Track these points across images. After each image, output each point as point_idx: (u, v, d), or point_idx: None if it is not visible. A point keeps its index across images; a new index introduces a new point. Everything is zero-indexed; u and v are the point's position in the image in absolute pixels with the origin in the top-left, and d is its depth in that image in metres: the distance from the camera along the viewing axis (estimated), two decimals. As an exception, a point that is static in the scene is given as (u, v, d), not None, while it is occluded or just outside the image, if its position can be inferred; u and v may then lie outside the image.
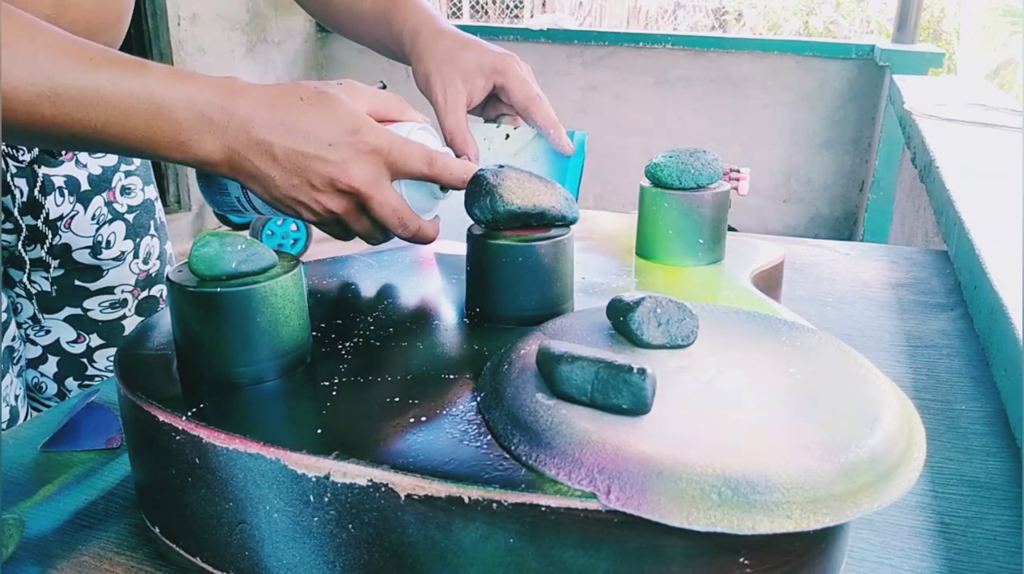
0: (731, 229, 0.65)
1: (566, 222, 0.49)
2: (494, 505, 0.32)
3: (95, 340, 0.78)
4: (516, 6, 6.12)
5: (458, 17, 6.25)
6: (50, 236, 0.71)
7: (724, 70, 3.44)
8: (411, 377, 0.41)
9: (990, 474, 0.49)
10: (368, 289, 0.54)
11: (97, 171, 0.74)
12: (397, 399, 0.39)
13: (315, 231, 3.20)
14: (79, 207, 0.73)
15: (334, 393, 0.40)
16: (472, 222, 0.50)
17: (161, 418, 0.38)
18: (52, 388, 0.78)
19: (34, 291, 0.74)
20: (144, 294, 0.80)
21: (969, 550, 0.43)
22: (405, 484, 0.33)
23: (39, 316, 0.75)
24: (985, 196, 0.90)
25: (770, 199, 3.52)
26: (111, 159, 0.75)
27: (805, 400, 0.35)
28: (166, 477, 0.39)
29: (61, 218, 0.71)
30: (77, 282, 0.75)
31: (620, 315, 0.40)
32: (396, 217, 0.52)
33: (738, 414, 0.34)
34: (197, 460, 0.37)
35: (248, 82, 0.49)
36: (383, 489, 0.33)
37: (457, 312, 0.50)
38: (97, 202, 0.74)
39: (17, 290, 0.74)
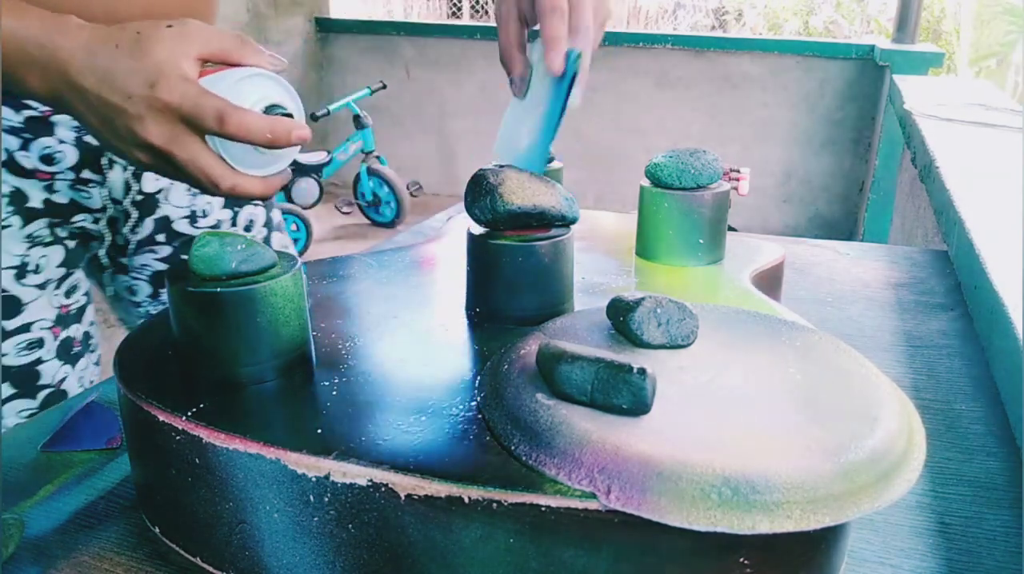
0: (731, 229, 0.65)
1: (566, 222, 0.49)
2: (494, 505, 0.32)
3: None
4: (516, 6, 6.10)
5: (458, 17, 6.25)
6: (151, 208, 0.73)
7: (724, 70, 3.44)
8: (411, 377, 0.41)
9: (990, 474, 0.49)
10: (368, 289, 0.54)
11: None
12: (397, 399, 0.39)
13: (315, 231, 3.20)
14: None
15: (334, 393, 0.40)
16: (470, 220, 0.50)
17: (161, 418, 0.38)
18: None
19: (147, 273, 0.76)
20: None
21: (969, 550, 0.43)
22: (405, 484, 0.33)
23: (158, 293, 0.78)
24: (985, 196, 0.90)
25: (770, 199, 3.53)
26: None
27: (805, 400, 0.35)
28: (166, 477, 0.39)
29: (160, 191, 0.73)
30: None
31: (620, 315, 0.40)
32: (202, 174, 0.48)
33: (738, 414, 0.34)
34: (197, 460, 0.37)
35: (81, 22, 0.47)
36: (383, 489, 0.33)
37: (457, 312, 0.50)
38: None
39: (133, 274, 0.76)
